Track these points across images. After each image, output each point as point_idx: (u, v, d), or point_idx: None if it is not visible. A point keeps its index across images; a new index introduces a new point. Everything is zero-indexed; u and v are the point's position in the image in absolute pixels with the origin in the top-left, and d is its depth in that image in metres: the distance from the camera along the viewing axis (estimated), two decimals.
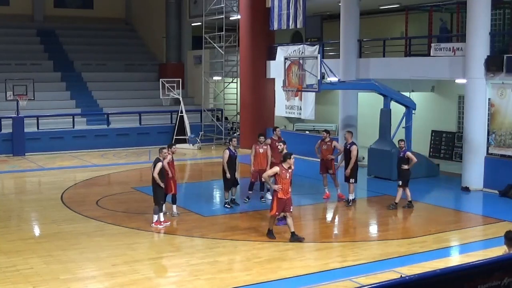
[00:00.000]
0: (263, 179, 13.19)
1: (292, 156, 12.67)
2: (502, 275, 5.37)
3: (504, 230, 13.52)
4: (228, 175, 15.26)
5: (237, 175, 15.76)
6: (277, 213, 12.60)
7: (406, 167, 15.42)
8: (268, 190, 16.40)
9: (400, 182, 15.54)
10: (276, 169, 12.49)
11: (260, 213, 15.24)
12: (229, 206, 15.60)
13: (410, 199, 15.66)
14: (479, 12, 17.61)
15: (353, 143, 16.04)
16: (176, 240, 13.14)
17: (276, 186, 12.37)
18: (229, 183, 15.50)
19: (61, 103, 28.67)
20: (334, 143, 16.81)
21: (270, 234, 12.77)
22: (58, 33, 33.85)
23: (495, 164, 17.75)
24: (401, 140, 16.03)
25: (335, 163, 16.82)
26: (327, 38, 25.58)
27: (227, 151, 15.39)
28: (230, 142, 15.77)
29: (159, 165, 13.71)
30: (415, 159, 15.47)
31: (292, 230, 12.65)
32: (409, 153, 15.53)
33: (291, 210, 12.69)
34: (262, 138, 16.05)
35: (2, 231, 13.56)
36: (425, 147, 23.59)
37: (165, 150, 14.12)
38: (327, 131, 17.00)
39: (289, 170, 12.50)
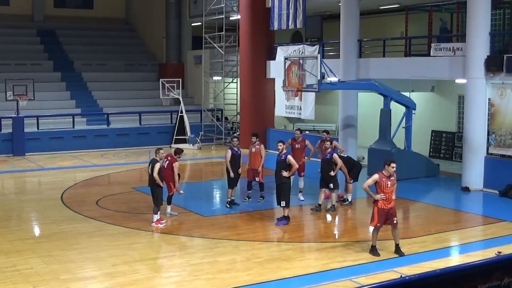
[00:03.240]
0: (363, 189, 12.00)
1: (391, 164, 11.62)
2: (502, 275, 5.38)
3: (504, 230, 13.65)
4: (232, 174, 15.37)
5: (240, 170, 15.78)
6: (378, 224, 11.69)
7: (332, 173, 15.12)
8: (300, 192, 16.46)
9: (332, 185, 15.16)
10: (375, 176, 11.66)
11: (260, 213, 15.26)
12: (229, 206, 15.62)
13: (320, 203, 15.29)
14: (479, 12, 17.60)
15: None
16: (176, 240, 13.14)
17: (379, 196, 11.59)
18: (233, 181, 15.56)
19: (61, 103, 28.68)
20: (335, 143, 16.84)
21: (374, 251, 11.73)
22: (58, 33, 33.86)
23: (495, 164, 17.75)
24: (327, 140, 15.77)
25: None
26: (327, 38, 25.58)
27: (229, 151, 15.52)
28: (232, 142, 15.85)
29: (158, 165, 13.71)
30: (340, 162, 15.23)
31: (397, 242, 11.80)
32: (335, 155, 15.16)
33: (394, 221, 11.75)
34: (254, 138, 16.10)
35: (2, 231, 13.56)
36: (425, 147, 23.60)
37: (162, 151, 14.12)
38: (327, 132, 17.02)
39: (391, 178, 11.65)
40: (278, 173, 13.91)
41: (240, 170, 15.69)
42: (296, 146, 16.53)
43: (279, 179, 13.95)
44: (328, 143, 15.55)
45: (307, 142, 16.80)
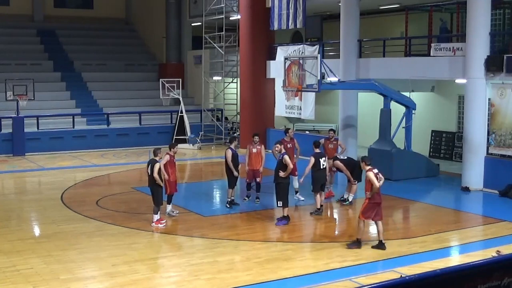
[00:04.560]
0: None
1: (363, 160, 12.27)
2: (502, 275, 5.38)
3: (504, 230, 13.66)
4: (235, 173, 15.35)
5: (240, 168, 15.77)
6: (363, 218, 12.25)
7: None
8: (297, 192, 16.45)
9: (311, 187, 14.98)
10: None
11: (260, 213, 15.26)
12: (229, 206, 15.62)
13: (319, 207, 15.05)
14: (479, 12, 17.60)
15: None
16: (176, 240, 13.15)
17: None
18: (235, 181, 15.55)
19: (61, 103, 28.69)
20: (339, 141, 16.98)
21: (357, 244, 12.29)
22: (58, 33, 33.87)
23: (495, 164, 17.75)
24: (316, 141, 15.56)
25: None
26: (327, 38, 25.58)
27: (229, 151, 15.48)
28: (233, 142, 15.80)
29: (158, 165, 13.71)
30: (309, 164, 14.81)
31: (380, 238, 12.17)
32: (312, 158, 14.78)
33: (371, 218, 12.17)
34: (256, 138, 16.06)
35: (2, 231, 13.56)
36: (425, 147, 23.60)
37: (161, 150, 14.16)
38: (333, 130, 17.05)
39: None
40: (276, 172, 13.95)
41: (239, 168, 15.72)
42: (288, 145, 16.36)
43: (276, 179, 13.99)
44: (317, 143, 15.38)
45: (295, 141, 16.74)
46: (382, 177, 12.16)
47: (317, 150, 15.02)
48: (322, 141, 16.83)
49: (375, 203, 12.01)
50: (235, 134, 26.60)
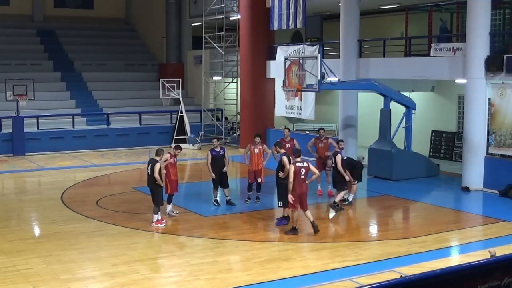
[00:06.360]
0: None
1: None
2: (502, 275, 5.39)
3: (504, 230, 13.67)
4: (213, 175, 15.57)
5: (225, 169, 15.75)
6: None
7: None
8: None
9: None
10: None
11: (260, 213, 15.26)
12: (216, 204, 15.76)
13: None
14: (479, 12, 17.60)
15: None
16: (176, 240, 13.15)
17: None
18: (215, 183, 15.73)
19: (61, 103, 28.69)
20: (330, 140, 17.02)
21: (293, 231, 13.22)
22: (58, 33, 33.86)
23: (495, 164, 17.74)
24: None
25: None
26: (327, 38, 25.56)
27: (209, 153, 15.64)
28: (214, 143, 15.87)
29: (158, 165, 13.72)
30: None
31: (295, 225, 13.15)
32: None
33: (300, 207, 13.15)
34: (257, 139, 16.03)
35: (2, 231, 13.57)
36: (425, 147, 23.59)
37: (164, 151, 14.19)
38: (323, 129, 17.17)
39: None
40: (277, 173, 13.96)
41: (225, 169, 15.69)
42: (286, 145, 16.32)
43: (277, 179, 14.01)
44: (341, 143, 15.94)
45: (295, 141, 16.72)
46: (316, 173, 13.79)
47: (337, 150, 15.65)
48: (313, 140, 17.02)
49: (296, 194, 12.92)
50: (234, 135, 26.60)
